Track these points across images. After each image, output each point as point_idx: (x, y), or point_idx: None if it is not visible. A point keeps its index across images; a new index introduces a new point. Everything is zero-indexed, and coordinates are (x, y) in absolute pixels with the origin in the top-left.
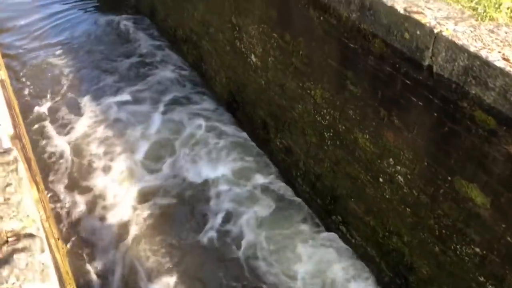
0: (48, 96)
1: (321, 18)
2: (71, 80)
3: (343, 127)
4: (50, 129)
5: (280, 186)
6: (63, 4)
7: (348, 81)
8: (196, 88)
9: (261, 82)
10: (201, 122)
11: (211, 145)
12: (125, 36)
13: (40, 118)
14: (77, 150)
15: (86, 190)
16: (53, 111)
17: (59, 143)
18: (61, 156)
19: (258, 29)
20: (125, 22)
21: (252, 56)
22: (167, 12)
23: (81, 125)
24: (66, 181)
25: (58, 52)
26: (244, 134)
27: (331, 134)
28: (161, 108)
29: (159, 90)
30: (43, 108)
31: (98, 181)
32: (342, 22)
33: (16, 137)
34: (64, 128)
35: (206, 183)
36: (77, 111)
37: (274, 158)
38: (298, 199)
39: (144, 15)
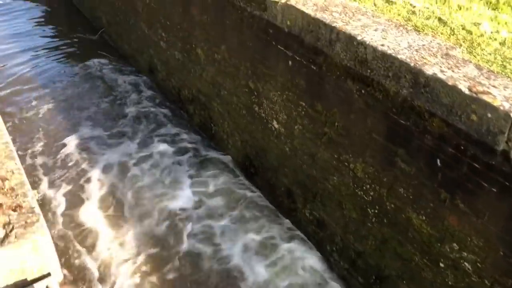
0: None
1: (362, 91)
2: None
3: (392, 205)
4: None
5: (311, 259)
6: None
7: (399, 158)
8: (206, 151)
9: (285, 149)
10: (217, 184)
11: (230, 212)
12: (123, 94)
13: None
14: None
15: None
16: None
17: None
18: None
19: (282, 96)
20: (121, 80)
21: (274, 122)
22: (170, 71)
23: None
24: None
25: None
26: (266, 201)
27: (376, 211)
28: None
29: (173, 150)
30: None
31: None
32: (390, 97)
33: None
34: None
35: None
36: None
37: (302, 229)
38: (333, 275)
39: (141, 72)
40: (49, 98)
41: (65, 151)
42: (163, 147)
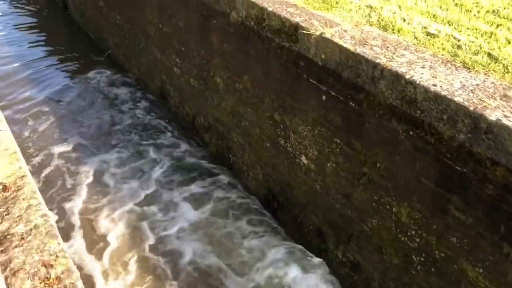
0: None
1: (410, 132)
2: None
3: (442, 254)
4: None
5: None
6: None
7: (452, 205)
8: (223, 181)
9: (315, 186)
10: (240, 220)
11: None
12: (133, 118)
13: None
14: None
15: None
16: None
17: None
18: None
19: (313, 131)
20: (130, 103)
21: (303, 158)
22: (184, 98)
23: None
24: None
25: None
26: (291, 241)
27: (422, 258)
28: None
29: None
30: None
31: None
32: (444, 141)
33: None
34: None
35: None
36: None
37: (334, 270)
38: None
39: (151, 96)
40: (57, 122)
41: (78, 191)
42: (181, 177)
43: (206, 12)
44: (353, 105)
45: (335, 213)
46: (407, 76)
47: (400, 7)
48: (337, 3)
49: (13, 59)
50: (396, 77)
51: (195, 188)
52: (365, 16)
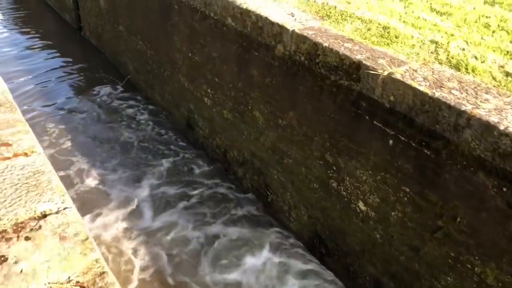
0: None
1: (504, 189)
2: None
3: None
4: None
5: None
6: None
7: None
8: (262, 219)
9: (375, 235)
10: (278, 260)
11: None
12: (157, 148)
13: None
14: None
15: None
16: None
17: None
18: None
19: (374, 176)
20: (154, 132)
21: (360, 204)
22: (215, 129)
23: None
24: None
25: None
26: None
27: None
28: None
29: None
30: None
31: None
32: None
33: None
34: None
35: None
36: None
37: None
38: None
39: (176, 125)
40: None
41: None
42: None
43: (245, 43)
44: (428, 153)
45: (399, 266)
46: (501, 127)
47: (467, 42)
48: (396, 37)
49: (26, 86)
50: (487, 127)
51: (238, 229)
52: (432, 52)
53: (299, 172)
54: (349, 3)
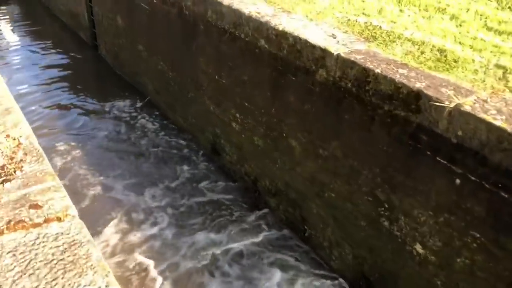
0: None
1: None
2: None
3: None
4: None
5: None
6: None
7: None
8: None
9: (435, 281)
10: None
11: None
12: (183, 172)
13: None
14: None
15: None
16: None
17: None
18: None
19: (436, 217)
20: (176, 156)
21: (417, 246)
22: (244, 156)
23: None
24: None
25: None
26: None
27: None
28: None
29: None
30: None
31: None
32: None
33: None
34: None
35: None
36: None
37: None
38: None
39: (200, 149)
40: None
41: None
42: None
43: (281, 67)
44: (506, 196)
45: None
46: None
47: None
48: (455, 61)
49: (39, 104)
50: None
51: (277, 275)
52: (500, 79)
53: (343, 207)
54: (394, 22)
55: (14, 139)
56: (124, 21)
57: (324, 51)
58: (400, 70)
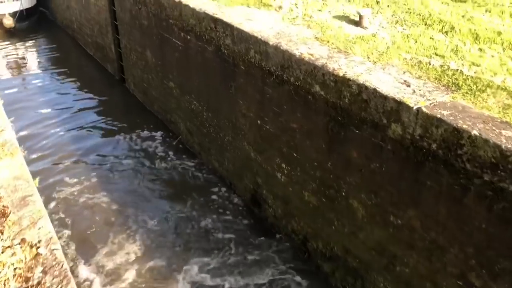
0: None
1: None
2: None
3: None
4: None
5: None
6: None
7: None
8: None
9: None
10: None
11: None
12: (219, 223)
13: None
14: None
15: None
16: None
17: None
18: None
19: None
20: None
21: None
22: (291, 211)
23: None
24: None
25: None
26: None
27: None
28: None
29: None
30: None
31: None
32: None
33: None
34: None
35: None
36: None
37: None
38: None
39: (238, 196)
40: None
41: None
42: None
43: (340, 118)
44: None
45: None
46: None
47: None
48: None
49: (66, 136)
50: None
51: None
52: None
53: (421, 287)
54: (477, 65)
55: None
56: (154, 56)
57: (399, 104)
58: (505, 132)
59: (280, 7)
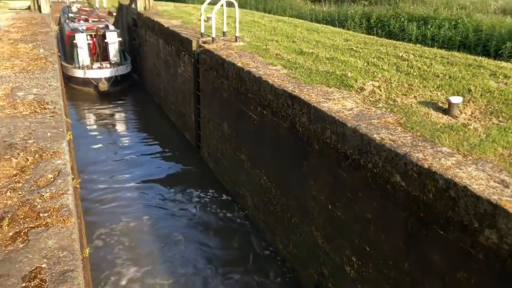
0: None
1: None
2: None
3: None
4: None
5: None
6: None
7: None
8: None
9: None
10: None
11: None
12: None
13: None
14: None
15: None
16: None
17: None
18: None
19: None
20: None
21: None
22: None
23: None
24: None
25: None
26: None
27: None
28: None
29: None
30: None
31: None
32: None
33: None
34: None
35: None
36: None
37: None
38: None
39: (303, 284)
40: None
41: None
42: None
43: (422, 214)
44: None
45: None
46: None
47: None
48: None
49: (135, 197)
50: None
51: None
52: None
53: None
54: None
55: None
56: (229, 128)
57: (495, 207)
58: None
59: (361, 89)
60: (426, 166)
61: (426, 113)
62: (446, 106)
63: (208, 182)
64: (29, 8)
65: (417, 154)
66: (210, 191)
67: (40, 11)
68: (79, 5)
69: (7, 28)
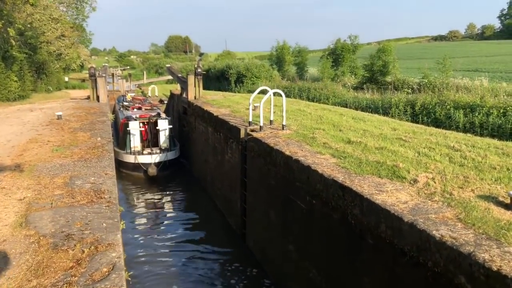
0: None
1: None
2: None
3: None
4: None
5: None
6: None
7: None
8: None
9: None
10: None
11: None
12: None
13: None
14: None
15: None
16: None
17: None
18: None
19: None
20: None
21: None
22: None
23: None
24: None
25: None
26: None
27: None
28: None
29: None
30: None
31: None
32: None
33: None
34: None
35: None
36: None
37: None
38: None
39: None
40: None
41: None
42: None
43: None
44: None
45: None
46: None
47: None
48: None
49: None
50: None
51: None
52: None
53: None
54: None
55: None
56: (276, 216)
57: None
58: None
59: (415, 181)
60: (494, 269)
61: (487, 208)
62: (508, 201)
63: (254, 274)
64: (88, 97)
65: (483, 255)
66: (255, 284)
67: (98, 101)
68: (133, 94)
69: (68, 117)
